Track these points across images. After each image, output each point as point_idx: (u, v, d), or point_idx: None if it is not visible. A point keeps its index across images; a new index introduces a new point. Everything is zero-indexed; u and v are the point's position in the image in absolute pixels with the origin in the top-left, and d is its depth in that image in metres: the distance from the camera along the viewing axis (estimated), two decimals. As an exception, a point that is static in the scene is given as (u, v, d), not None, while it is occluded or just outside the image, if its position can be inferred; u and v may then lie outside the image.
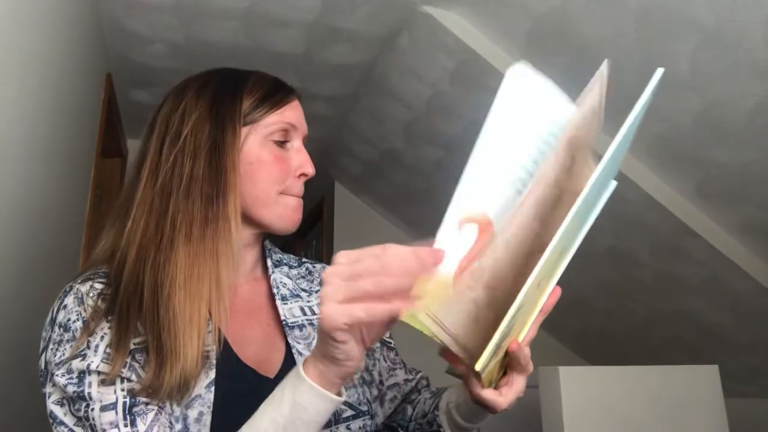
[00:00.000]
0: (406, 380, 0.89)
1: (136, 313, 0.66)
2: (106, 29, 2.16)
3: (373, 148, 2.98)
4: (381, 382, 0.85)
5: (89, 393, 0.63)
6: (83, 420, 0.63)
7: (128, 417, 0.62)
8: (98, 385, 0.63)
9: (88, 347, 0.64)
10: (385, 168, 3.07)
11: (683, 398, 1.91)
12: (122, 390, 0.63)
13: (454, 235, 0.52)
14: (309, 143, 0.82)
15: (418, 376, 0.90)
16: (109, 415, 0.62)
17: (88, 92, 2.02)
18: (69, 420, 0.64)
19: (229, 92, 0.76)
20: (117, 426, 0.62)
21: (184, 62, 2.34)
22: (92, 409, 0.62)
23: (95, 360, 0.63)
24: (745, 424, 2.07)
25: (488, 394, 0.61)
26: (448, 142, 2.52)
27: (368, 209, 3.57)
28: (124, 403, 0.63)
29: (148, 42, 2.24)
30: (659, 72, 0.49)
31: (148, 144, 0.75)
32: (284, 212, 0.76)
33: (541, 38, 1.80)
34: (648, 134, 1.84)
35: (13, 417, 1.35)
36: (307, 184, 0.79)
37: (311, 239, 4.24)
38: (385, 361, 0.87)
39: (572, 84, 0.60)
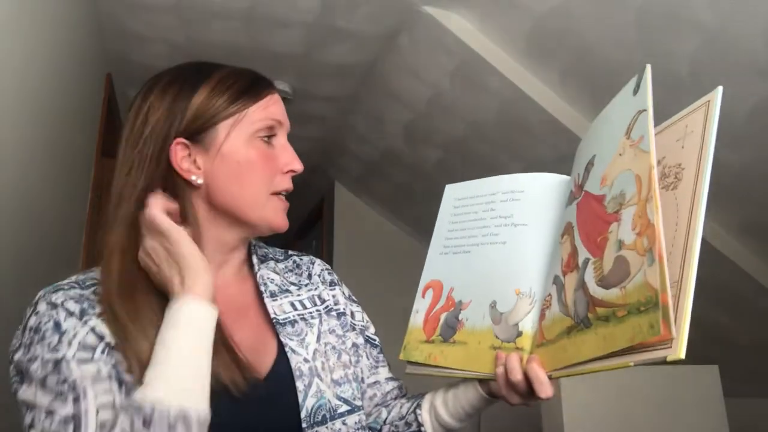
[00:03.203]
0: (388, 379, 0.87)
1: None
2: (106, 29, 2.16)
3: (373, 148, 2.98)
4: (362, 379, 0.84)
5: (69, 372, 0.61)
6: (62, 386, 0.60)
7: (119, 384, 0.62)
8: (78, 365, 0.62)
9: (60, 342, 0.62)
10: (385, 168, 3.07)
11: (683, 398, 1.91)
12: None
13: (420, 300, 0.83)
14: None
15: (398, 382, 0.89)
16: (91, 368, 0.61)
17: (88, 92, 2.02)
18: (45, 399, 0.60)
19: (191, 86, 0.73)
20: (104, 382, 0.61)
21: (184, 62, 2.34)
22: (71, 370, 0.61)
23: (69, 351, 0.62)
24: (745, 424, 2.07)
25: (541, 374, 0.65)
26: (448, 142, 2.52)
27: (368, 209, 3.57)
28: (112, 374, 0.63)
29: (148, 42, 2.24)
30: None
31: (120, 143, 0.73)
32: (273, 215, 0.74)
33: (541, 38, 1.80)
34: (648, 134, 1.84)
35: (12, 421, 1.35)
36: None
37: (311, 239, 4.24)
38: (368, 359, 0.86)
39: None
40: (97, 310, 0.66)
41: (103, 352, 0.63)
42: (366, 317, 0.89)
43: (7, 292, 1.25)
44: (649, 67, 0.60)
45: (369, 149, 3.01)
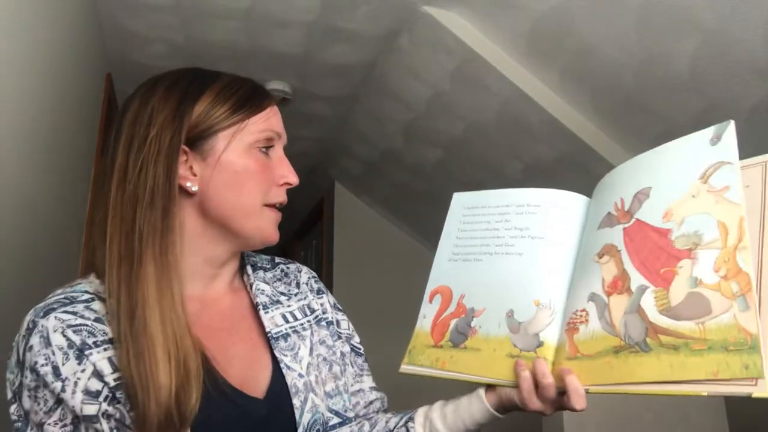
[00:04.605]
0: (371, 388, 0.86)
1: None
2: (106, 29, 2.16)
3: (373, 148, 2.98)
4: (347, 389, 0.83)
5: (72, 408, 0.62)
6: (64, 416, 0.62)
7: None
8: (82, 405, 0.62)
9: (64, 389, 0.62)
10: (385, 168, 3.07)
11: (683, 398, 1.91)
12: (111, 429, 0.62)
13: (428, 305, 0.83)
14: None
15: (380, 394, 0.87)
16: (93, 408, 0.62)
17: (88, 92, 2.02)
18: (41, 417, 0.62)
19: (195, 92, 0.71)
20: None
21: (184, 62, 2.33)
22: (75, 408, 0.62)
23: (75, 399, 0.62)
24: (745, 424, 2.07)
25: (579, 386, 0.65)
26: (448, 142, 2.52)
27: (368, 209, 3.57)
28: None
29: (148, 42, 2.24)
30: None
31: (116, 147, 0.70)
32: (266, 226, 0.73)
33: (541, 38, 1.80)
34: (649, 135, 1.84)
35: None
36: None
37: (311, 239, 4.24)
38: (353, 367, 0.84)
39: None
40: (98, 337, 0.64)
41: (105, 399, 0.62)
42: (351, 326, 0.88)
43: (7, 293, 1.25)
44: (732, 123, 0.65)
45: (369, 149, 3.01)
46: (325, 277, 3.47)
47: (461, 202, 0.90)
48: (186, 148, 0.70)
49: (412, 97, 2.39)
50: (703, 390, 0.57)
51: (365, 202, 3.56)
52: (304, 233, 4.36)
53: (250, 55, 2.29)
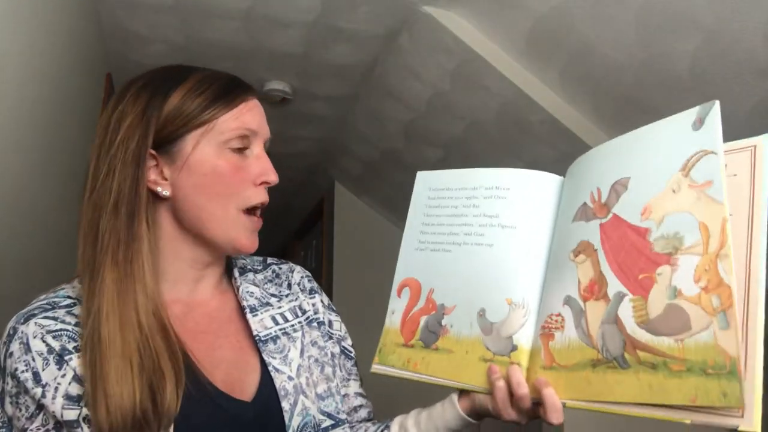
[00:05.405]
0: (357, 394, 0.84)
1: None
2: (106, 29, 2.16)
3: (373, 148, 2.98)
4: (338, 390, 0.81)
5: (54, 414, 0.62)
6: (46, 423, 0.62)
7: None
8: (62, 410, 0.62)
9: (44, 395, 0.61)
10: (385, 168, 3.07)
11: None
12: None
13: (396, 299, 0.79)
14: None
15: (367, 401, 0.85)
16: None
17: (87, 92, 2.02)
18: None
19: (162, 93, 0.68)
20: None
21: (183, 62, 2.33)
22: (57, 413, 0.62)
23: (56, 405, 0.62)
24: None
25: (557, 401, 0.62)
26: (448, 142, 2.52)
27: (368, 209, 3.57)
28: None
29: (148, 42, 2.24)
30: None
31: (91, 153, 0.69)
32: (238, 236, 0.70)
33: (541, 38, 1.80)
34: (648, 134, 1.84)
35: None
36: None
37: (311, 239, 4.24)
38: (341, 370, 0.82)
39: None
40: (79, 342, 0.64)
41: (87, 404, 0.62)
42: (344, 328, 0.86)
43: (5, 292, 1.25)
44: (717, 104, 0.58)
45: (369, 149, 3.01)
46: (325, 277, 3.47)
47: (426, 183, 0.83)
48: (153, 152, 0.68)
49: (412, 97, 2.39)
50: (686, 417, 0.52)
51: (365, 202, 3.55)
52: (304, 233, 4.36)
53: (250, 55, 2.29)
